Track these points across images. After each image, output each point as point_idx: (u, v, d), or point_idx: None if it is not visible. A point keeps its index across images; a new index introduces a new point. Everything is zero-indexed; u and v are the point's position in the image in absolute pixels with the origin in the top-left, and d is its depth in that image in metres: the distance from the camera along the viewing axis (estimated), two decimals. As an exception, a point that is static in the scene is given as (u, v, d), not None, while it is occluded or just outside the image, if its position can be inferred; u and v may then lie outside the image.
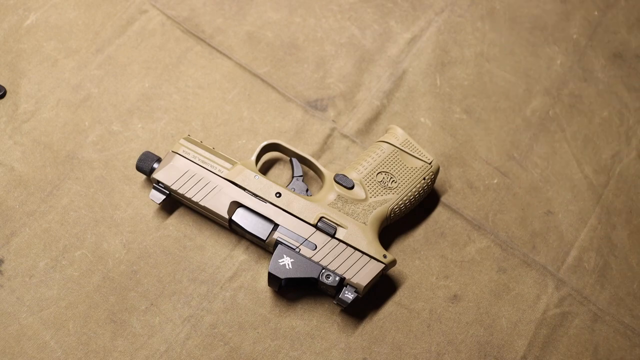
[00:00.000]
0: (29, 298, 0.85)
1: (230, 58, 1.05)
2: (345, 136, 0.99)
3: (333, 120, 1.01)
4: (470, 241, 0.92)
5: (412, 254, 0.91)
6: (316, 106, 1.02)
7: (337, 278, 0.80)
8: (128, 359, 0.83)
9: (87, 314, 0.85)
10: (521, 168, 0.99)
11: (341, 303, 0.81)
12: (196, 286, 0.87)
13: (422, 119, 1.02)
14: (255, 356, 0.83)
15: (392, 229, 0.92)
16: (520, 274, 0.91)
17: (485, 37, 1.10)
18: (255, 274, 0.88)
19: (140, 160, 0.89)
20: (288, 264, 0.81)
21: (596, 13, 1.14)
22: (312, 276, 0.80)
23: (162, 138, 0.97)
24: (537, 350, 0.86)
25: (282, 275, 0.80)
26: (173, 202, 0.92)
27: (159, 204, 0.87)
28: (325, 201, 0.86)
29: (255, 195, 0.85)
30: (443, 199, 0.95)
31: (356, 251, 0.82)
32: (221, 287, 0.87)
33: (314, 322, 0.86)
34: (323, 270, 0.81)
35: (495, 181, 0.97)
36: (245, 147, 0.97)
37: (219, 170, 0.87)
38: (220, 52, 1.05)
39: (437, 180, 0.97)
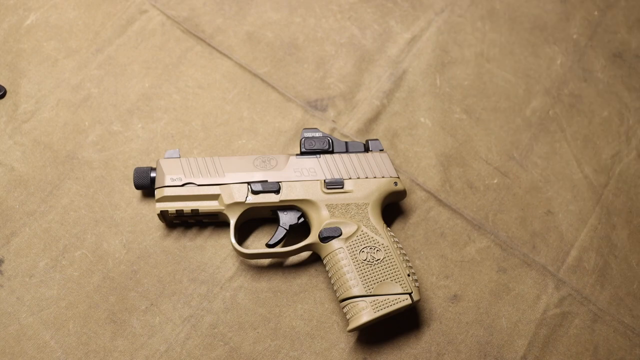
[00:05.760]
0: (29, 298, 0.85)
1: (230, 58, 1.05)
2: (345, 136, 0.99)
3: (333, 120, 1.01)
4: (470, 241, 0.92)
5: (412, 254, 0.91)
6: (316, 106, 1.02)
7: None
8: (128, 359, 0.83)
9: (87, 314, 0.85)
10: (521, 168, 0.99)
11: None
12: (196, 286, 0.87)
13: (422, 119, 1.02)
14: (255, 356, 0.83)
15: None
16: (520, 274, 0.91)
17: (485, 37, 1.10)
18: (255, 274, 0.89)
19: (137, 177, 0.89)
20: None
21: (596, 13, 1.14)
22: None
23: (162, 138, 0.97)
24: (537, 350, 0.86)
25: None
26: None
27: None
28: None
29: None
30: (443, 199, 0.95)
31: None
32: (221, 287, 0.87)
33: (314, 322, 0.86)
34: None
35: (495, 181, 0.97)
36: (245, 147, 0.98)
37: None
38: (220, 52, 1.05)
39: (437, 180, 0.97)
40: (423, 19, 1.11)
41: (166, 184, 0.86)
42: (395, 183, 0.88)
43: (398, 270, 0.82)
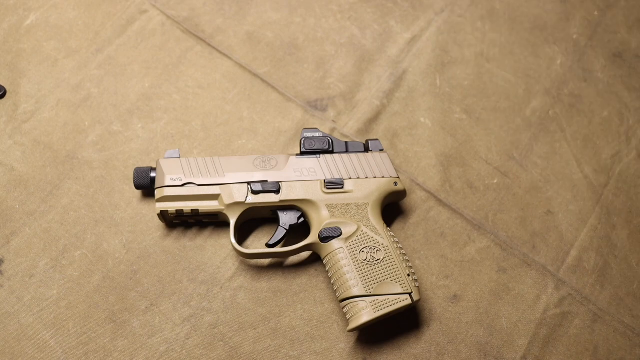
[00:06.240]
0: (29, 298, 0.85)
1: (230, 58, 1.05)
2: (345, 136, 0.99)
3: (333, 120, 1.01)
4: (470, 241, 0.92)
5: (412, 254, 0.91)
6: (316, 106, 1.02)
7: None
8: (128, 359, 0.83)
9: (87, 314, 0.85)
10: (521, 168, 0.99)
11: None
12: (196, 286, 0.87)
13: (422, 119, 1.02)
14: (255, 356, 0.83)
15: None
16: (520, 274, 0.91)
17: (485, 37, 1.10)
18: (255, 274, 0.89)
19: (137, 177, 0.89)
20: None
21: (596, 13, 1.14)
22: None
23: (162, 138, 0.97)
24: (537, 350, 0.86)
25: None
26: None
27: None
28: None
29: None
30: (443, 199, 0.95)
31: None
32: (221, 287, 0.87)
33: (314, 322, 0.86)
34: None
35: (495, 181, 0.97)
36: (245, 147, 0.98)
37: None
38: (220, 52, 1.05)
39: (437, 180, 0.97)
40: (423, 19, 1.11)
41: (166, 184, 0.86)
42: (395, 183, 0.88)
43: (398, 270, 0.82)
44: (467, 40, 1.09)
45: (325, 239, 0.84)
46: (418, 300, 0.82)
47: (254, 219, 0.91)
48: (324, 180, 0.87)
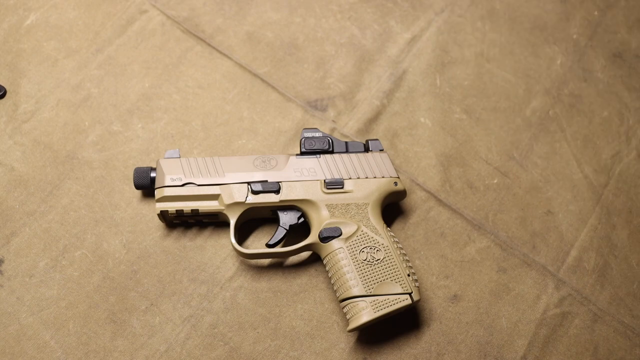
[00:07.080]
0: (29, 298, 0.85)
1: (230, 58, 1.05)
2: (345, 136, 0.99)
3: (333, 120, 1.01)
4: (470, 241, 0.92)
5: (412, 254, 0.91)
6: (316, 106, 1.02)
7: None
8: (128, 359, 0.83)
9: (87, 314, 0.85)
10: (521, 168, 0.99)
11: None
12: (196, 286, 0.87)
13: (422, 119, 1.02)
14: (255, 356, 0.83)
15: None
16: (520, 274, 0.91)
17: (485, 37, 1.10)
18: (255, 274, 0.89)
19: (137, 177, 0.88)
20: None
21: (596, 13, 1.14)
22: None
23: (162, 138, 0.97)
24: (537, 350, 0.86)
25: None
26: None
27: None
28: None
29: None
30: (443, 199, 0.95)
31: None
32: (221, 287, 0.87)
33: (314, 322, 0.86)
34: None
35: (495, 181, 0.97)
36: (245, 147, 0.98)
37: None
38: (220, 52, 1.05)
39: (437, 180, 0.97)
40: (423, 19, 1.11)
41: (166, 184, 0.86)
42: (395, 183, 0.88)
43: (398, 270, 0.82)
44: (467, 40, 1.09)
45: (325, 239, 0.84)
46: (418, 300, 0.82)
47: (254, 219, 0.91)
48: (324, 180, 0.87)
